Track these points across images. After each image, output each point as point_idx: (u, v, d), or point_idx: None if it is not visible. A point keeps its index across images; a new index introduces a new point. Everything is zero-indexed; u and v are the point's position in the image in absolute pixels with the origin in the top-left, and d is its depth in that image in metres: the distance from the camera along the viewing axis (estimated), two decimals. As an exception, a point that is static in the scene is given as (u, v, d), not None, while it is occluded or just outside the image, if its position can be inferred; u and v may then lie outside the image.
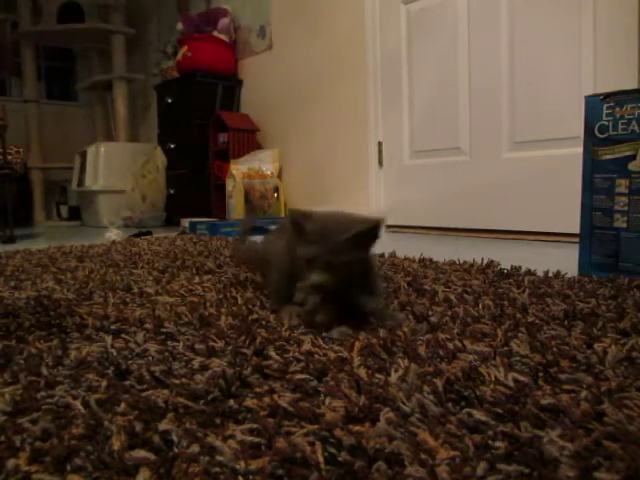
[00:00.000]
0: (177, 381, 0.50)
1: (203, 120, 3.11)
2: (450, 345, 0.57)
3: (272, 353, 0.57)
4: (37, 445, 0.38)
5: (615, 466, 0.33)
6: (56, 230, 3.33)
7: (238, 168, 2.85)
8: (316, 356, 0.56)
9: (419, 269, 1.12)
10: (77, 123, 4.54)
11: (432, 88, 2.20)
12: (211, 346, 0.60)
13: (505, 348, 0.57)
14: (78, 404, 0.45)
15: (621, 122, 0.97)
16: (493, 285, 0.92)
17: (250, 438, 0.38)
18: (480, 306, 0.76)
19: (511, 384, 0.46)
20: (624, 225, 0.99)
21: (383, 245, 1.79)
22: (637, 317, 0.67)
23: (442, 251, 1.57)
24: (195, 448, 0.36)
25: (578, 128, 1.46)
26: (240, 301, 0.84)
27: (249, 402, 0.45)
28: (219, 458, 0.35)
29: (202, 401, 0.45)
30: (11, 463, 0.35)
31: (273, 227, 1.14)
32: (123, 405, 0.44)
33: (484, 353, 0.55)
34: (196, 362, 0.55)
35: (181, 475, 0.34)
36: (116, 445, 0.37)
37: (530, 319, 0.69)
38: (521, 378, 0.47)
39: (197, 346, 0.60)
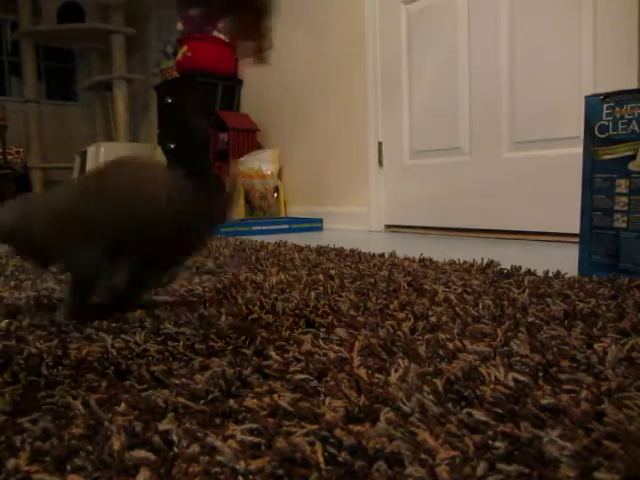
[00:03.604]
0: (177, 381, 0.50)
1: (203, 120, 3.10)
2: (450, 345, 0.57)
3: (272, 353, 0.57)
4: (37, 445, 0.38)
5: (615, 466, 0.33)
6: (56, 230, 3.32)
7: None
8: (316, 356, 0.56)
9: (419, 269, 1.12)
10: (77, 123, 4.55)
11: (432, 88, 2.20)
12: (211, 346, 0.60)
13: (505, 348, 0.57)
14: (78, 404, 0.45)
15: (621, 122, 0.97)
16: (493, 285, 0.92)
17: (250, 438, 0.38)
18: (480, 306, 0.76)
19: (511, 384, 0.46)
20: (624, 225, 0.99)
21: (383, 245, 1.80)
22: (637, 317, 0.67)
23: (442, 251, 1.57)
24: (195, 448, 0.36)
25: (578, 128, 1.46)
26: (240, 301, 0.84)
27: (249, 402, 0.45)
28: (219, 458, 0.35)
29: (202, 401, 0.45)
30: (11, 463, 0.35)
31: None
32: (123, 405, 0.44)
33: (484, 353, 0.55)
34: (196, 362, 0.55)
35: (181, 475, 0.34)
36: (116, 445, 0.37)
37: (530, 319, 0.68)
38: (521, 378, 0.47)
39: (197, 346, 0.60)
